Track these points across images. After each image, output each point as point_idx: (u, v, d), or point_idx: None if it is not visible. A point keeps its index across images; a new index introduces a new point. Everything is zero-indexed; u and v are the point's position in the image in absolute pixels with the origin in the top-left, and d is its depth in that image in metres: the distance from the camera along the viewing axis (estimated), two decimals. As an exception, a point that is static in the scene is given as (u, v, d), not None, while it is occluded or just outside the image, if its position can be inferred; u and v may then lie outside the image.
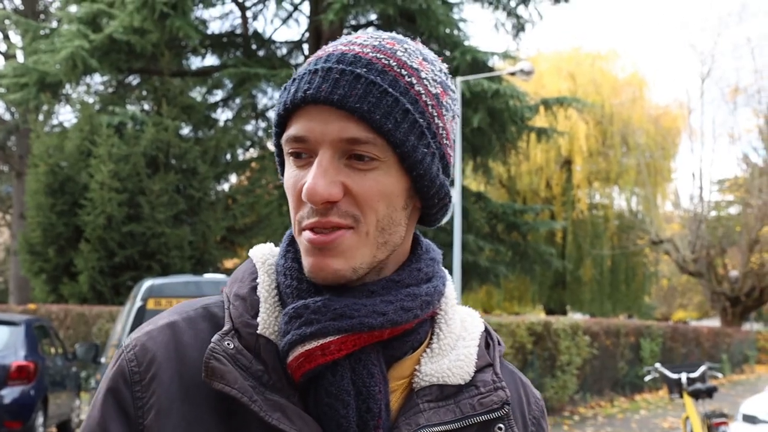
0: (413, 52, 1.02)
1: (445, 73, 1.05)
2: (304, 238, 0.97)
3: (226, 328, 0.99)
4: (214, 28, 19.71)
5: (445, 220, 1.09)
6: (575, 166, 27.85)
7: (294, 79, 0.99)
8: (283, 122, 0.99)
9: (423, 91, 1.00)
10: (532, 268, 21.15)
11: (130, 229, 15.38)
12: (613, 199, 30.25)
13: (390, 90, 0.96)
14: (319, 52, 1.01)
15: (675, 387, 7.84)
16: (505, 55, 18.17)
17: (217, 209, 16.79)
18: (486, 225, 19.53)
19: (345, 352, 0.96)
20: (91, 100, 19.07)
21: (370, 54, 0.98)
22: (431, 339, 1.06)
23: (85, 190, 15.68)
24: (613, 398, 16.09)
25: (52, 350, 10.43)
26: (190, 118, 17.72)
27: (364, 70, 0.96)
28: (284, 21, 20.05)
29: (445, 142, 1.02)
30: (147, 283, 6.62)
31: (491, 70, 17.44)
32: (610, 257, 28.32)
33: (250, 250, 1.10)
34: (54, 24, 20.62)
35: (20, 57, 20.95)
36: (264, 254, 1.08)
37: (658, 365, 8.24)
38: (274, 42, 19.69)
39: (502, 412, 1.01)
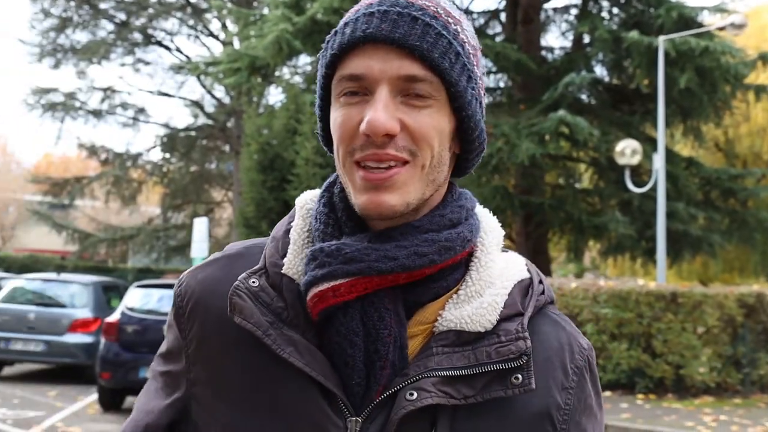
0: (452, 6, 1.06)
1: (475, 32, 1.10)
2: (357, 176, 1.00)
3: (257, 266, 1.06)
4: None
5: (472, 170, 1.11)
6: (804, 126, 25.47)
7: (347, 23, 1.02)
8: (335, 64, 1.02)
9: (467, 39, 1.04)
10: (752, 237, 19.61)
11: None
12: None
13: (443, 33, 1.00)
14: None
15: None
16: (718, 9, 16.89)
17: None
18: (699, 191, 18.39)
19: (355, 294, 0.99)
20: (296, 81, 20.01)
21: (421, 1, 1.02)
22: (461, 285, 1.06)
23: (292, 166, 16.54)
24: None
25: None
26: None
27: (420, 12, 1.00)
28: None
29: (481, 92, 1.06)
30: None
31: (700, 26, 16.31)
32: None
33: (298, 197, 1.16)
34: (264, 10, 21.80)
35: (236, 43, 22.38)
36: (306, 200, 1.14)
37: None
38: (471, 12, 19.59)
39: (520, 362, 0.99)
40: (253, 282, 1.03)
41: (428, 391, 0.97)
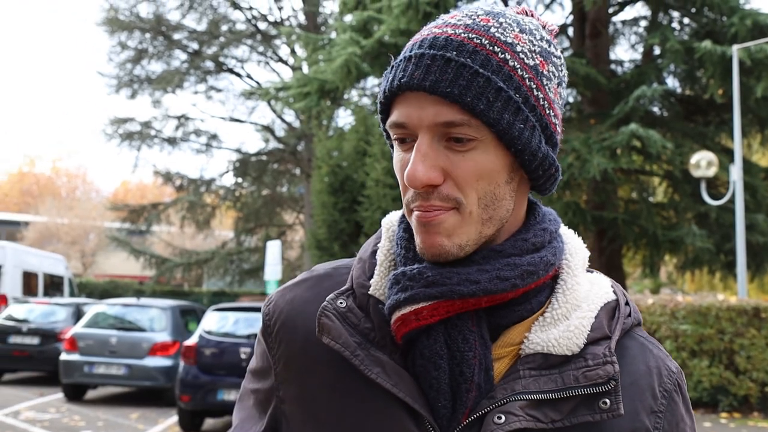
0: (508, 26, 1.03)
1: (547, 41, 1.05)
2: (414, 218, 1.02)
3: (345, 287, 1.08)
4: (478, 20, 19.89)
5: (552, 190, 1.09)
6: None
7: (392, 67, 1.04)
8: (386, 109, 1.05)
9: (518, 66, 1.00)
10: (838, 248, 18.90)
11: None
12: None
13: (481, 71, 0.98)
14: (416, 37, 1.05)
15: None
16: (794, 15, 16.43)
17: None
18: (779, 203, 17.83)
19: (438, 317, 1.00)
20: (365, 103, 20.19)
21: (462, 35, 1.01)
22: (547, 308, 1.06)
23: (362, 187, 16.65)
24: None
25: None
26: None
27: (455, 53, 0.99)
28: (547, 6, 19.79)
29: (548, 112, 1.03)
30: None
31: (776, 33, 15.87)
32: None
33: (384, 218, 1.17)
34: (332, 35, 22.10)
35: (305, 68, 22.74)
36: (391, 221, 1.15)
37: None
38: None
39: (608, 387, 0.99)
40: (341, 303, 1.05)
41: (516, 415, 0.97)
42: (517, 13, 1.08)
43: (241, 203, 28.79)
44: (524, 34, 1.03)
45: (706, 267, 17.56)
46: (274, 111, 27.18)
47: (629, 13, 33.24)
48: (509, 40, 1.01)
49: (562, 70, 1.07)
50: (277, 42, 28.14)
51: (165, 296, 27.96)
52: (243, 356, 9.93)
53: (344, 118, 27.54)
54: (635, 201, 17.29)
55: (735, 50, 14.05)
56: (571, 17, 18.50)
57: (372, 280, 1.07)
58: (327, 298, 1.06)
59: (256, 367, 1.15)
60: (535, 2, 20.02)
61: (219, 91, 29.14)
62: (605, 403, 0.99)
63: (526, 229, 1.07)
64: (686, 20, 17.88)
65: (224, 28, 28.27)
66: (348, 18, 19.19)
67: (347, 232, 17.05)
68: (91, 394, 14.08)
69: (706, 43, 14.76)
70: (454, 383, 1.00)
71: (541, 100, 1.02)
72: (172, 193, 31.48)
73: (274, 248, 15.54)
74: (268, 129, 28.73)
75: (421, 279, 1.00)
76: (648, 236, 15.61)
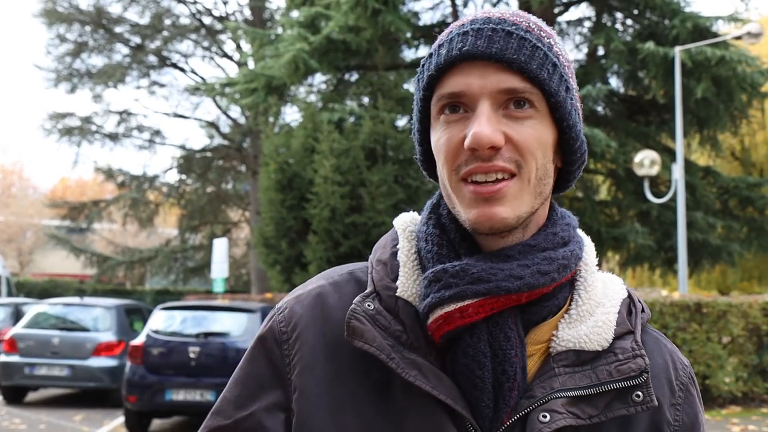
0: (543, 22, 1.08)
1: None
2: (467, 191, 1.00)
3: (368, 290, 1.05)
4: (426, 19, 20.09)
5: (573, 183, 1.11)
6: (821, 133, 25.32)
7: (442, 44, 1.04)
8: (432, 85, 1.03)
9: (561, 51, 1.05)
10: (772, 246, 19.54)
11: (353, 219, 16.07)
12: None
13: (539, 45, 1.01)
14: (461, 20, 1.06)
15: None
16: (732, 18, 16.88)
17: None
18: (717, 201, 18.34)
19: (483, 315, 0.99)
20: (313, 99, 20.11)
21: (512, 18, 1.04)
22: (570, 305, 1.07)
23: (311, 184, 16.58)
24: None
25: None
26: (405, 110, 18.16)
27: (513, 27, 1.02)
28: (494, 5, 19.97)
29: (578, 104, 1.07)
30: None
31: (715, 36, 16.31)
32: None
33: (395, 219, 1.15)
34: (278, 30, 21.96)
35: (251, 64, 22.53)
36: (406, 222, 1.13)
37: None
38: (484, 28, 19.66)
39: (641, 380, 1.01)
40: (369, 305, 1.03)
41: (560, 413, 0.98)
42: None
43: (185, 200, 28.40)
44: (555, 34, 1.08)
45: (647, 264, 17.97)
46: (220, 107, 26.89)
47: (574, 13, 33.75)
48: (550, 31, 1.07)
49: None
50: (223, 37, 27.84)
51: (107, 295, 27.42)
52: (192, 355, 9.79)
53: (291, 115, 27.41)
54: (580, 199, 17.59)
55: (677, 52, 14.39)
56: (518, 17, 18.70)
57: (398, 282, 1.05)
58: (354, 301, 1.03)
59: (257, 371, 1.07)
60: (482, 2, 20.21)
61: (162, 86, 28.72)
62: (638, 396, 1.00)
63: (552, 223, 1.07)
64: (629, 21, 18.24)
65: (168, 22, 27.82)
66: (295, 14, 19.08)
67: (295, 230, 16.96)
68: (32, 396, 13.72)
69: (649, 45, 15.08)
70: (497, 382, 0.99)
71: (575, 90, 1.06)
72: (113, 190, 30.89)
73: (220, 246, 15.37)
74: (213, 125, 28.41)
75: (465, 276, 0.99)
76: (592, 233, 15.87)
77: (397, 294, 1.04)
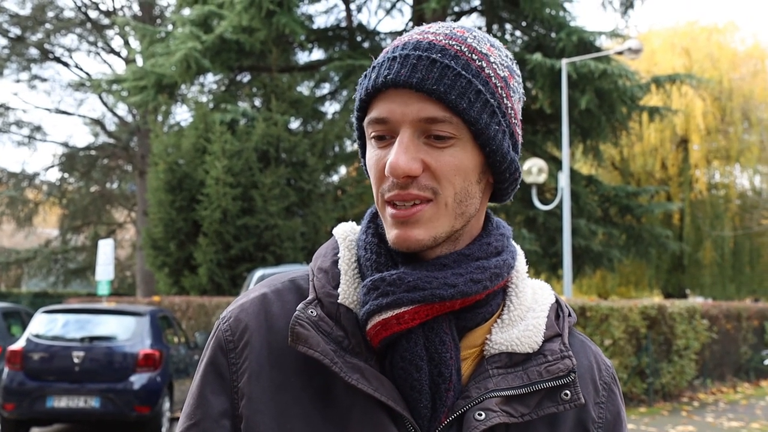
0: (482, 39, 1.09)
1: (511, 59, 1.13)
2: (387, 213, 1.05)
3: (309, 297, 1.08)
4: (320, 22, 20.03)
5: (511, 196, 1.15)
6: (692, 145, 26.77)
7: (374, 67, 1.07)
8: (365, 107, 1.08)
9: (492, 74, 1.07)
10: (648, 252, 20.56)
11: (245, 222, 15.90)
12: (735, 178, 28.91)
13: (463, 72, 1.03)
14: (396, 41, 1.09)
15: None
16: (614, 34, 17.70)
17: (326, 201, 17.13)
18: (598, 208, 19.14)
19: (418, 321, 1.03)
20: (204, 99, 19.77)
21: (443, 41, 1.06)
22: (502, 310, 1.12)
23: (202, 186, 16.30)
24: (735, 384, 15.49)
25: (176, 339, 10.93)
26: (299, 112, 18.12)
27: (439, 55, 1.04)
28: (388, 12, 20.19)
29: (513, 121, 1.09)
30: (259, 273, 6.87)
31: (599, 50, 17.03)
32: (732, 238, 27.11)
33: (334, 229, 1.18)
34: (169, 27, 21.46)
35: (139, 61, 21.94)
36: (346, 231, 1.17)
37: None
38: (378, 33, 19.85)
39: (568, 379, 1.06)
40: (312, 312, 1.05)
41: (494, 411, 1.02)
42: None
43: (67, 199, 27.35)
44: (495, 48, 1.10)
45: (533, 269, 18.52)
46: (106, 104, 26.03)
47: (465, 22, 34.43)
48: (484, 50, 1.08)
49: (521, 88, 1.14)
50: (110, 32, 26.98)
51: (-21, 298, 26.07)
52: (76, 360, 9.44)
53: (181, 114, 26.81)
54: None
55: (564, 64, 14.92)
56: (411, 23, 18.97)
57: (339, 289, 1.08)
58: (298, 308, 1.06)
59: (205, 385, 1.08)
60: (376, 8, 20.39)
61: (44, 80, 27.55)
62: (566, 394, 1.06)
63: (487, 234, 1.12)
64: (518, 33, 18.81)
65: (51, 14, 26.74)
66: (187, 11, 18.73)
67: (185, 231, 16.63)
68: None
69: (537, 56, 15.60)
70: (433, 384, 1.03)
71: (509, 109, 1.08)
72: (-11, 187, 29.41)
73: (106, 247, 14.85)
74: (98, 123, 27.48)
75: (402, 284, 1.03)
76: (481, 239, 16.26)
77: (338, 301, 1.07)
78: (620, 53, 15.34)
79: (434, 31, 1.08)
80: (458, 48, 1.05)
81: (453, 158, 1.03)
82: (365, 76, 1.08)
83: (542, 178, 15.03)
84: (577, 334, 1.19)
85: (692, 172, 26.81)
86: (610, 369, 1.18)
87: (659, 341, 12.58)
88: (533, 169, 14.87)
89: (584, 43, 16.60)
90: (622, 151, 25.34)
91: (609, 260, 18.91)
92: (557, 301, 1.17)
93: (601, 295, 27.97)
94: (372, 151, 1.07)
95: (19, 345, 9.77)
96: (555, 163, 16.86)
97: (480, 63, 1.06)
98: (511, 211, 17.58)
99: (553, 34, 17.09)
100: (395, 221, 1.04)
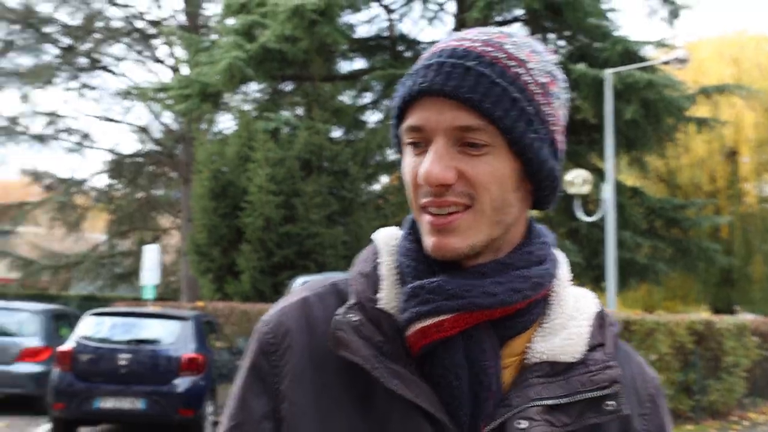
0: (522, 44, 1.08)
1: (553, 64, 1.11)
2: (424, 220, 1.05)
3: (351, 302, 1.08)
4: (362, 32, 20.12)
5: (553, 204, 1.14)
6: (741, 158, 26.24)
7: (410, 74, 1.08)
8: (401, 114, 1.08)
9: (530, 81, 1.06)
10: (695, 265, 20.20)
11: (287, 230, 16.00)
12: (786, 191, 28.27)
13: (498, 80, 1.03)
14: (433, 48, 1.09)
15: None
16: (660, 44, 17.51)
17: (368, 209, 17.17)
18: (644, 221, 18.88)
19: (458, 329, 1.03)
20: (248, 108, 19.98)
21: (480, 48, 1.05)
22: (544, 319, 1.11)
23: (245, 193, 16.45)
24: (787, 403, 15.11)
25: (218, 344, 11.05)
26: (341, 121, 18.21)
27: (474, 62, 1.03)
28: (430, 21, 20.22)
29: (554, 128, 1.08)
30: (300, 280, 6.92)
31: (644, 60, 16.84)
32: (785, 253, 26.50)
33: (374, 233, 1.19)
34: (214, 37, 21.75)
35: (185, 70, 22.26)
36: (387, 236, 1.17)
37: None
38: (420, 43, 19.89)
39: (612, 390, 1.05)
40: (352, 316, 1.06)
41: (536, 420, 1.02)
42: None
43: (114, 205, 27.80)
44: (535, 54, 1.09)
45: (576, 281, 18.27)
46: (152, 112, 26.43)
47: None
48: (522, 56, 1.07)
49: (566, 93, 1.12)
50: (156, 42, 27.41)
51: (29, 300, 26.56)
52: (122, 362, 9.60)
53: (224, 123, 27.12)
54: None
55: (608, 74, 14.79)
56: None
57: (380, 294, 1.09)
58: (338, 312, 1.06)
59: (246, 389, 1.10)
60: (418, 17, 20.42)
61: (93, 89, 28.05)
62: (609, 405, 1.05)
63: (528, 243, 1.11)
64: (562, 42, 18.68)
65: (100, 24, 27.26)
66: (231, 21, 18.95)
67: (228, 238, 16.79)
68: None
69: (581, 66, 15.48)
70: (473, 392, 1.04)
71: (549, 116, 1.07)
72: (39, 192, 30.00)
73: (151, 253, 15.11)
74: (144, 130, 27.91)
75: (441, 292, 1.03)
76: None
77: (378, 306, 1.08)
78: (666, 63, 15.16)
79: (472, 37, 1.07)
80: (495, 55, 1.05)
81: (488, 166, 1.03)
82: (402, 83, 1.09)
83: (586, 189, 14.88)
84: (621, 344, 1.17)
85: (741, 184, 26.30)
86: (655, 381, 1.17)
87: (707, 357, 12.34)
88: (577, 180, 14.73)
89: (629, 53, 16.44)
90: (669, 162, 24.95)
91: (655, 273, 18.64)
92: (601, 311, 1.16)
93: (647, 309, 27.54)
94: (407, 159, 1.07)
95: (68, 346, 9.96)
96: (599, 174, 16.69)
97: (517, 70, 1.05)
98: (554, 222, 17.43)
99: (597, 44, 16.95)
100: (432, 229, 1.04)
